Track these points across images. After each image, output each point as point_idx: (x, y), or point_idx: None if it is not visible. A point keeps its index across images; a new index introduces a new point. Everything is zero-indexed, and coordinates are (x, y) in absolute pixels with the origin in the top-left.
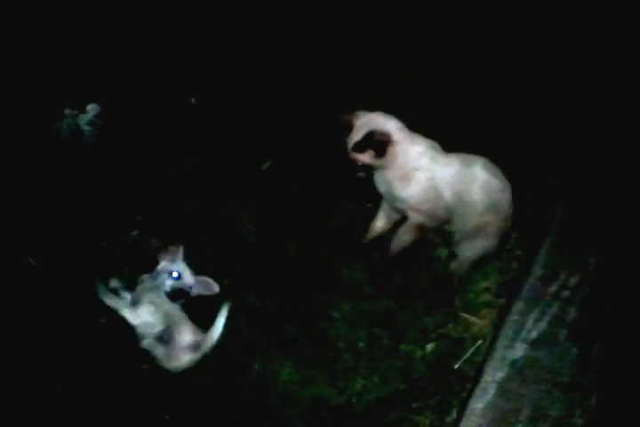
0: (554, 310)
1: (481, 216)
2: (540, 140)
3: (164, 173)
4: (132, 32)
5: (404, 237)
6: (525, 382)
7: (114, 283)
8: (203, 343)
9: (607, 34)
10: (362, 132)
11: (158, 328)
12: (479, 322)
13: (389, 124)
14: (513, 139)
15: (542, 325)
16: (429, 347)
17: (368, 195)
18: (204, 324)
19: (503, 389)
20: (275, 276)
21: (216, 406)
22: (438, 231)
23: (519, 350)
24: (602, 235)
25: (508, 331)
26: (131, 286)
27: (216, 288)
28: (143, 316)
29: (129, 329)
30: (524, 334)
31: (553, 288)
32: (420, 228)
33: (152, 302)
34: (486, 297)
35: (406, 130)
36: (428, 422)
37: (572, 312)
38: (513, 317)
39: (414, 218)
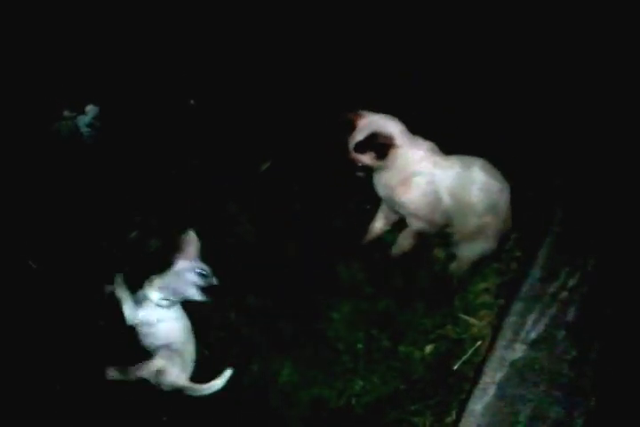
0: (553, 310)
1: (480, 218)
2: (540, 140)
3: (163, 174)
4: (130, 34)
5: (405, 242)
6: (524, 383)
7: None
8: (185, 389)
9: (607, 34)
10: (364, 133)
11: (162, 343)
12: (478, 323)
13: (393, 127)
14: (513, 139)
15: (541, 326)
16: (428, 348)
17: (367, 196)
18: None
19: (502, 390)
20: (274, 276)
21: (215, 406)
22: (437, 232)
23: (518, 351)
24: (601, 236)
25: (507, 332)
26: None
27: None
28: (143, 317)
29: (128, 330)
30: (523, 334)
31: (552, 289)
32: (420, 233)
33: (177, 318)
34: (485, 298)
35: (408, 133)
36: (427, 423)
37: (571, 313)
38: (512, 318)
39: (413, 224)
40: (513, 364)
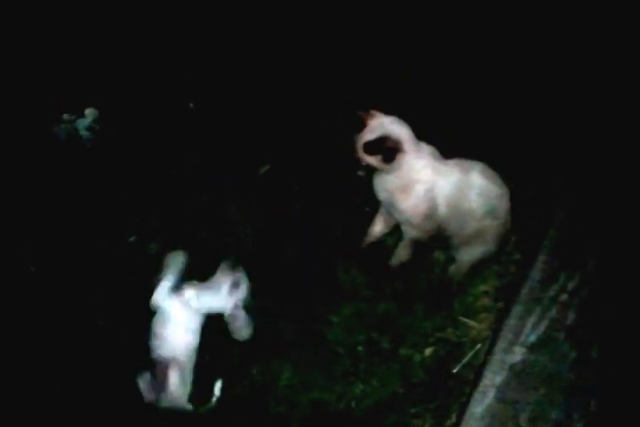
0: (553, 313)
1: (479, 222)
2: (540, 140)
3: (162, 176)
4: (129, 37)
5: (403, 253)
6: (524, 385)
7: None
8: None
9: (606, 34)
10: (375, 134)
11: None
12: (478, 326)
13: (403, 132)
14: (513, 138)
15: (541, 328)
16: (428, 351)
17: (367, 198)
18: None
19: (502, 393)
20: (273, 279)
21: (215, 410)
22: (437, 236)
23: (518, 354)
24: (601, 238)
25: (506, 335)
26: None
27: None
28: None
29: (128, 331)
30: (522, 337)
31: (552, 292)
32: (416, 242)
33: (189, 330)
34: (485, 301)
35: (415, 139)
36: (427, 426)
37: (570, 316)
38: (512, 320)
39: (408, 232)
40: (513, 367)
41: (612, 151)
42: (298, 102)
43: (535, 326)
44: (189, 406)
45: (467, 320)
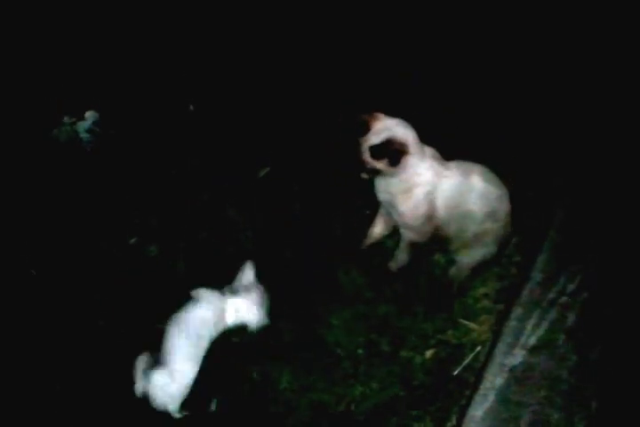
0: (553, 315)
1: (479, 225)
2: (540, 140)
3: (162, 177)
4: (130, 39)
5: (402, 256)
6: (525, 388)
7: None
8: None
9: (606, 34)
10: (380, 137)
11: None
12: (478, 328)
13: (408, 135)
14: (513, 139)
15: (541, 330)
16: (428, 353)
17: (367, 200)
18: None
19: (502, 395)
20: (273, 280)
21: (215, 413)
22: (437, 238)
23: (518, 356)
24: (601, 240)
25: (506, 337)
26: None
27: None
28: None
29: (128, 331)
30: (523, 339)
31: (552, 294)
32: (414, 245)
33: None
34: (485, 303)
35: (418, 141)
36: None
37: (571, 318)
38: (512, 322)
39: (406, 235)
40: (513, 369)
41: (611, 151)
42: (297, 103)
43: (535, 328)
44: (178, 414)
45: (467, 322)
